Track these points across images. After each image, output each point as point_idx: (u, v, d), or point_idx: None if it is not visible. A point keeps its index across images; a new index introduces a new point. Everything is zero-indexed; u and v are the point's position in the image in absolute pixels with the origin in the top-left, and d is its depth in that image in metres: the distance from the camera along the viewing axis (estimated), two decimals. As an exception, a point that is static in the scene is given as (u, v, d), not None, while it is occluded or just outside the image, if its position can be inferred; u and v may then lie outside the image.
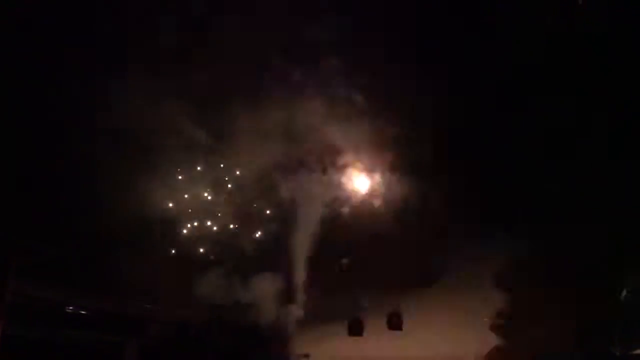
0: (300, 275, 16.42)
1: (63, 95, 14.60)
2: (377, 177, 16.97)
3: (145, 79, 14.45)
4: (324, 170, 16.74)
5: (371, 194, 17.07)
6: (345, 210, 16.93)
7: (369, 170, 17.05)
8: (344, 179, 16.94)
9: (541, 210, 16.05)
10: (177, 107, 15.34)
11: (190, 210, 16.68)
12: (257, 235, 17.00)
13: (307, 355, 16.76)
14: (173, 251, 16.43)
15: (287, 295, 16.49)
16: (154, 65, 14.76)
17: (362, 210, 16.96)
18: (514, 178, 16.37)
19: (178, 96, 15.33)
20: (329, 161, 16.70)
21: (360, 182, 17.12)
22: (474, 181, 16.44)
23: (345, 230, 16.69)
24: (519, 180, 16.31)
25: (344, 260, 17.28)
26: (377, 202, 16.90)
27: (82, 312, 14.16)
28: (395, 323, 16.10)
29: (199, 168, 16.77)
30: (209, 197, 16.98)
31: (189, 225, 16.62)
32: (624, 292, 14.92)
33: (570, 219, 15.57)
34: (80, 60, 14.57)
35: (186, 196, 16.76)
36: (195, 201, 16.86)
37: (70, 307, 14.05)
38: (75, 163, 14.95)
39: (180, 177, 16.64)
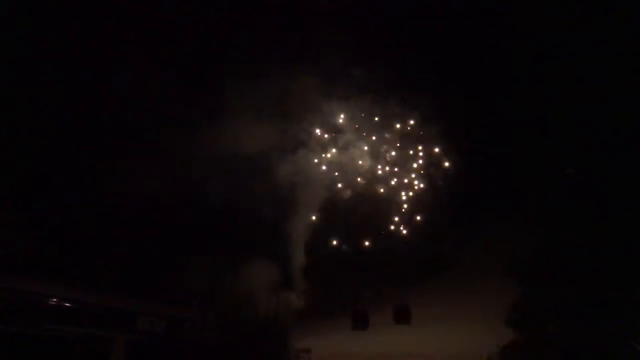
0: (299, 263, 15.64)
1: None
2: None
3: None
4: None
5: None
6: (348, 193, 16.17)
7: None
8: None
9: (562, 198, 15.21)
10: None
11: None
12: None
13: (308, 351, 15.98)
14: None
15: (285, 286, 15.75)
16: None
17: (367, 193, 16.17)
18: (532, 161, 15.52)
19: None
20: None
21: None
22: (489, 160, 15.61)
23: (347, 215, 15.93)
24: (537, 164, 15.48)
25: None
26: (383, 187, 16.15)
27: (67, 304, 13.46)
28: (403, 317, 15.18)
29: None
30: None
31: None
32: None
33: (592, 209, 14.75)
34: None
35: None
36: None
37: (54, 300, 13.37)
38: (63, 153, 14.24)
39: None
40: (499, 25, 14.96)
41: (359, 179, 16.24)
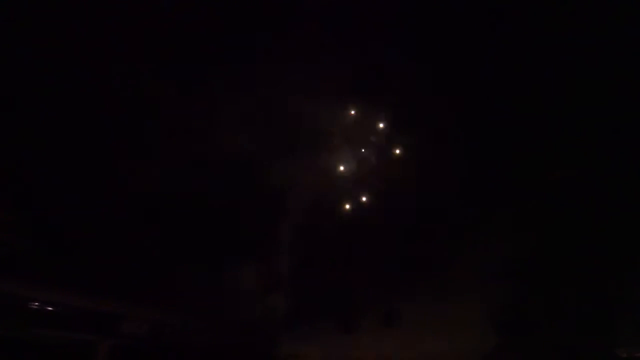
0: (285, 265, 15.55)
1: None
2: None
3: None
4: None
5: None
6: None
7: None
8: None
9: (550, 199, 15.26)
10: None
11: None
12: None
13: (296, 356, 15.84)
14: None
15: (271, 288, 15.64)
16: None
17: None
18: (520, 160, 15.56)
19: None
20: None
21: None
22: (477, 160, 15.61)
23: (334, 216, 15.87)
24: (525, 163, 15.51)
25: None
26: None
27: (49, 308, 13.24)
28: (391, 320, 15.13)
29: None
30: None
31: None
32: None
33: (578, 212, 14.83)
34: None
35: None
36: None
37: (36, 303, 13.13)
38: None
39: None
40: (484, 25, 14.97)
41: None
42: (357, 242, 15.88)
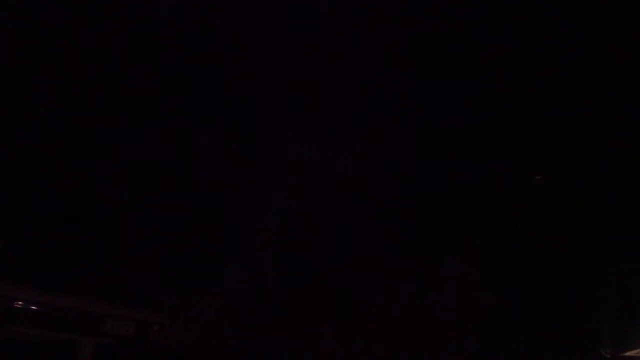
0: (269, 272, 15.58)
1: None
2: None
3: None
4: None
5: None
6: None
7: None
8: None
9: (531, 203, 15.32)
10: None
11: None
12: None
13: None
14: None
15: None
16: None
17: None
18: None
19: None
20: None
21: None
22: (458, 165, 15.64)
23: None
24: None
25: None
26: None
27: (33, 307, 13.23)
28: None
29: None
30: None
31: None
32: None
33: (560, 214, 14.91)
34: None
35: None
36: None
37: (20, 303, 13.12)
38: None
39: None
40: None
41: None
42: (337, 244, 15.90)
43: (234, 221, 15.62)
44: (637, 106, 14.11)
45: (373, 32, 14.21)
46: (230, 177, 15.54)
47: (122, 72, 13.90)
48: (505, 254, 15.19)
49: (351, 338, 15.30)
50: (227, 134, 15.33)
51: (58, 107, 13.62)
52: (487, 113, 15.06)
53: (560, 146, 14.89)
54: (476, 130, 15.24)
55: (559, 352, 14.12)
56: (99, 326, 13.81)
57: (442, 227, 15.82)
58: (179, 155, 15.02)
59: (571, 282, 14.47)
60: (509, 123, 15.05)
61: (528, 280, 14.79)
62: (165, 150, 14.92)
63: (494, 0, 13.74)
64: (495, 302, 15.07)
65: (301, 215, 15.90)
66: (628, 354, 13.96)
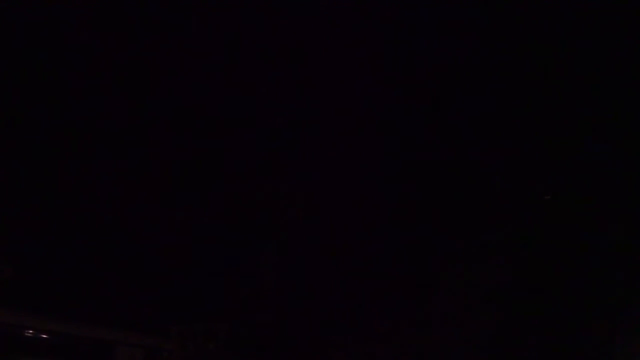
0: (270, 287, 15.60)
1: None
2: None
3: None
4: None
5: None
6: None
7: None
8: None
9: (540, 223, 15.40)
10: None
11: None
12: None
13: None
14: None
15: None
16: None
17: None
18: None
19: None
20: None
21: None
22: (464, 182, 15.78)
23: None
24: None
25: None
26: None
27: (43, 336, 13.27)
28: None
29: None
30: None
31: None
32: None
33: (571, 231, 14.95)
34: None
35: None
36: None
37: (31, 331, 13.18)
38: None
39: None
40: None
41: None
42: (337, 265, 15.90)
43: (240, 246, 15.70)
44: None
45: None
46: (239, 201, 15.69)
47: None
48: (517, 272, 15.19)
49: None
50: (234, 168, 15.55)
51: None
52: (497, 129, 15.27)
53: (571, 164, 15.00)
54: (486, 148, 15.43)
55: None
56: (108, 353, 13.87)
57: (450, 245, 15.86)
58: (190, 181, 15.18)
59: (584, 299, 14.40)
60: (520, 140, 15.22)
61: (539, 298, 14.72)
62: (179, 175, 15.05)
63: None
64: (507, 320, 15.02)
65: (307, 236, 15.99)
66: (640, 366, 13.84)
